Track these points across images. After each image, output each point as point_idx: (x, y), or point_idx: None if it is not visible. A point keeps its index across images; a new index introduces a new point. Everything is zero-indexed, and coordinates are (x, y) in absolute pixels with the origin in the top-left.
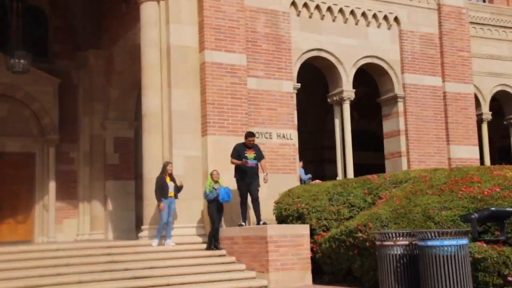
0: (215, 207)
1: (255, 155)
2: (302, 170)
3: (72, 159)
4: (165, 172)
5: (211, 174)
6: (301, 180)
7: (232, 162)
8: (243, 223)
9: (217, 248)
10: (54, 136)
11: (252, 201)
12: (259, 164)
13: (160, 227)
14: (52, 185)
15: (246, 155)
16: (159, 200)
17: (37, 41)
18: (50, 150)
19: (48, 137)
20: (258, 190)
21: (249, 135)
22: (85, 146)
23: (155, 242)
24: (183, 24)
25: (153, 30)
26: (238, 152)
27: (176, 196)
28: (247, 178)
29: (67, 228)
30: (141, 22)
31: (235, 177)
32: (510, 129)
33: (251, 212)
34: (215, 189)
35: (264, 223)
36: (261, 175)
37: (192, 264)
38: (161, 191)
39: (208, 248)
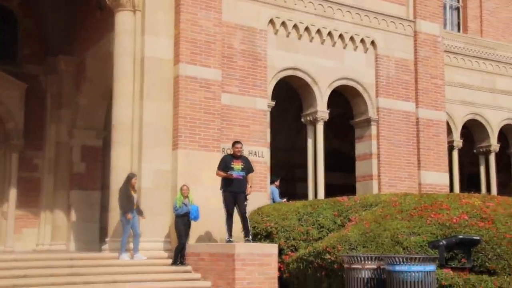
0: (183, 222)
1: (242, 166)
2: (277, 191)
3: (35, 166)
4: (129, 184)
5: (181, 189)
6: (273, 201)
7: (218, 174)
8: (231, 239)
9: (182, 264)
10: (18, 142)
11: (240, 216)
12: (247, 177)
13: (124, 240)
14: (12, 192)
15: (232, 166)
16: (127, 211)
17: (6, 44)
18: (13, 156)
19: (11, 142)
20: (245, 204)
21: (236, 142)
22: (50, 153)
23: (124, 255)
24: (159, 36)
25: (127, 39)
26: (225, 164)
27: (139, 210)
28: (233, 189)
29: (27, 237)
30: (115, 30)
31: (221, 189)
32: (479, 157)
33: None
34: (186, 205)
35: (248, 240)
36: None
37: (157, 279)
38: (128, 202)
39: (174, 263)
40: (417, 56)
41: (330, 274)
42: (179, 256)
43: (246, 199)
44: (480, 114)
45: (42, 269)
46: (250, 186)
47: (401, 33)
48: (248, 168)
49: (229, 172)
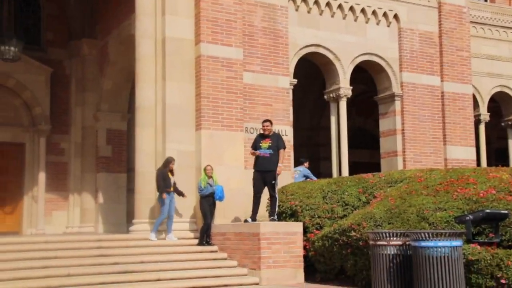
0: (208, 203)
1: (270, 144)
2: (309, 171)
3: (63, 150)
4: (168, 167)
5: (205, 169)
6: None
7: (250, 153)
8: (249, 220)
9: (208, 244)
10: (45, 126)
11: (269, 195)
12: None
13: (158, 221)
14: (41, 176)
15: (260, 144)
16: (162, 191)
17: (30, 29)
18: (41, 141)
19: (39, 127)
20: (273, 183)
21: (264, 121)
22: (76, 138)
23: (152, 235)
24: (179, 16)
25: (148, 21)
26: (254, 143)
27: (178, 191)
28: (259, 168)
29: (56, 220)
30: (136, 12)
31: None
32: (508, 131)
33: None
34: (210, 185)
35: (274, 219)
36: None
37: (184, 259)
38: (164, 183)
39: (200, 243)
40: (441, 29)
41: (355, 251)
42: (205, 236)
43: (275, 178)
44: (509, 86)
45: (72, 250)
46: (280, 165)
47: (424, 5)
48: (277, 145)
49: (252, 151)
